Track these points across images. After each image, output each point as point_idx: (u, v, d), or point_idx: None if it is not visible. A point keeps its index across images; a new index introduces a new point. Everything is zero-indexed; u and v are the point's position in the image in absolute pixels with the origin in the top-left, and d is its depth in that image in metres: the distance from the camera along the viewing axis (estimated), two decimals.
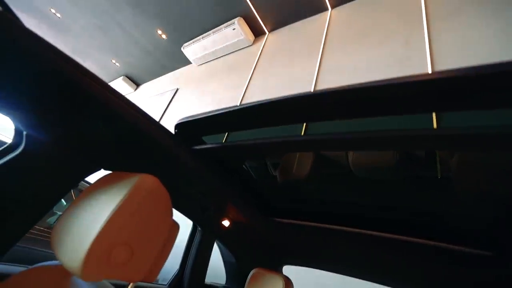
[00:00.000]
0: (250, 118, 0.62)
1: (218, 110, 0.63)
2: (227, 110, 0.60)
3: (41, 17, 5.25)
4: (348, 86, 0.44)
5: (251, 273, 1.06)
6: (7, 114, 0.54)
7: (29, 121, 0.57)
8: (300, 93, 0.50)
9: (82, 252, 0.41)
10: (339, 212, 0.97)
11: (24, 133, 0.58)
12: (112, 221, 0.44)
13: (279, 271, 1.31)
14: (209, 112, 0.64)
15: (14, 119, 0.57)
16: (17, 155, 0.57)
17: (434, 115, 0.48)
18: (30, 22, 5.42)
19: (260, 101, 0.55)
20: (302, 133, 0.61)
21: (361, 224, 0.90)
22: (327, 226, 0.96)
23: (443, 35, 2.28)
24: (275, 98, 0.53)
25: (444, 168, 0.73)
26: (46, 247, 1.76)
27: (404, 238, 0.83)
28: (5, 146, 0.58)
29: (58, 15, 5.10)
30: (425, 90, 0.39)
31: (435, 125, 0.47)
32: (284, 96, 0.52)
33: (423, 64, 2.18)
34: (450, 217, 0.79)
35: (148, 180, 0.52)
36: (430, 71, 1.50)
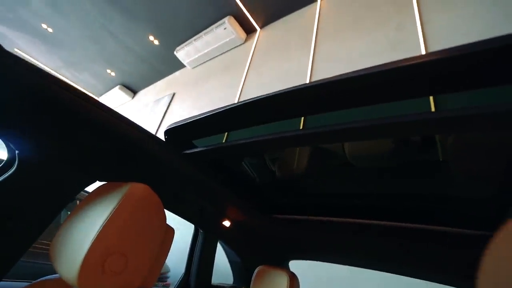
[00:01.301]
0: (238, 118, 0.61)
1: (205, 113, 0.63)
2: (214, 112, 0.60)
3: (33, 34, 5.30)
4: (341, 75, 0.43)
5: (256, 270, 1.06)
6: None
7: (20, 140, 0.58)
8: (286, 89, 0.49)
9: (77, 263, 0.42)
10: (338, 204, 0.97)
11: (17, 152, 0.59)
12: (104, 231, 0.45)
13: (285, 266, 1.31)
14: (197, 115, 0.64)
15: (4, 139, 0.57)
16: (11, 175, 0.58)
17: (431, 98, 0.47)
18: (23, 39, 5.47)
19: (246, 100, 0.54)
20: (301, 127, 0.60)
21: (361, 215, 0.90)
22: (327, 218, 0.96)
23: (435, 15, 2.24)
24: (260, 96, 0.52)
25: (442, 152, 0.72)
26: None
27: (406, 225, 0.82)
28: None
29: (50, 30, 5.13)
30: (419, 73, 0.38)
31: (433, 109, 0.46)
32: (272, 93, 0.50)
33: (416, 47, 2.15)
34: (451, 201, 0.78)
35: (139, 188, 0.52)
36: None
